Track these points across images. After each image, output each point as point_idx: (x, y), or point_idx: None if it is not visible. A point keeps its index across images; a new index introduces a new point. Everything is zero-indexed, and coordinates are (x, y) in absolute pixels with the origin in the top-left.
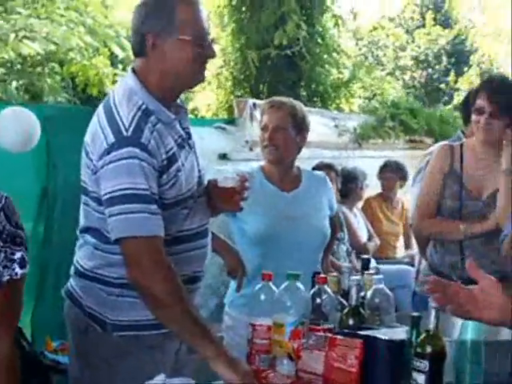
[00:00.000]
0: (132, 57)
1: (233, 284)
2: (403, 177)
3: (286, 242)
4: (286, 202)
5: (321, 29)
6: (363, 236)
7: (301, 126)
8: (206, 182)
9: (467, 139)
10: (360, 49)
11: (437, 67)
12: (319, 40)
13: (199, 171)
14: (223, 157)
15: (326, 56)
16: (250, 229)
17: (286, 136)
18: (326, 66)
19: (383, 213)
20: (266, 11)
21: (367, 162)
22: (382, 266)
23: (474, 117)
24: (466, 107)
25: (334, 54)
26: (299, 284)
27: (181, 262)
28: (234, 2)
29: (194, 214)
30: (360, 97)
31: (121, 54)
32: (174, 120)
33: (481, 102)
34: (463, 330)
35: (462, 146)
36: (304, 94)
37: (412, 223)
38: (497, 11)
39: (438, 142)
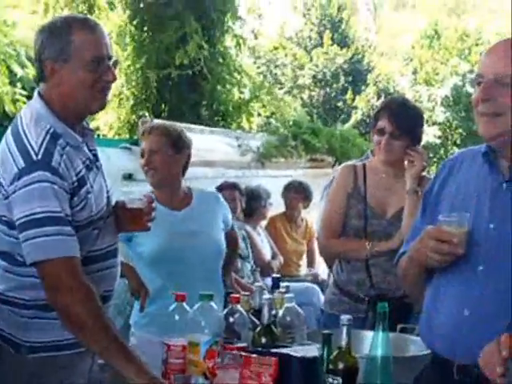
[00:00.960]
0: (31, 75)
1: (137, 304)
2: (307, 197)
3: (183, 260)
4: (177, 221)
5: (222, 49)
6: (267, 254)
7: (178, 145)
8: (113, 203)
9: (370, 159)
10: (258, 67)
11: (334, 86)
12: (220, 60)
13: (107, 192)
14: (128, 177)
15: (227, 76)
16: (145, 251)
17: (163, 157)
18: (228, 85)
19: (287, 232)
20: (167, 31)
21: (270, 181)
22: (286, 284)
23: (375, 137)
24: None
25: (235, 74)
26: (213, 304)
27: (92, 282)
28: (134, 22)
29: (104, 234)
30: (260, 115)
31: (20, 73)
32: (81, 143)
33: (382, 123)
34: (373, 346)
35: (364, 165)
36: (206, 113)
37: (318, 242)
38: (391, 31)
39: (339, 160)
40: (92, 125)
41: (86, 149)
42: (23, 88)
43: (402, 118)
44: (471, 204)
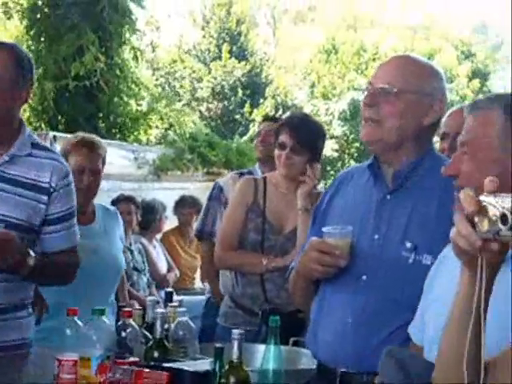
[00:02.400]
0: None
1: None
2: (199, 210)
3: (84, 277)
4: (81, 237)
5: (119, 61)
6: (163, 267)
7: (103, 165)
8: None
9: (271, 173)
10: (157, 79)
11: (233, 99)
12: (118, 72)
13: None
14: None
15: (124, 88)
16: None
17: (98, 178)
18: (125, 97)
19: (181, 246)
20: (64, 43)
21: (166, 194)
22: (181, 297)
23: (276, 152)
24: None
25: (133, 86)
26: (105, 318)
27: None
28: (31, 33)
29: None
30: (158, 127)
31: None
32: None
33: (282, 137)
34: (265, 359)
35: (265, 179)
36: (102, 125)
37: (214, 254)
38: (290, 45)
39: None
40: None
41: None
42: None
43: (303, 132)
44: (357, 216)
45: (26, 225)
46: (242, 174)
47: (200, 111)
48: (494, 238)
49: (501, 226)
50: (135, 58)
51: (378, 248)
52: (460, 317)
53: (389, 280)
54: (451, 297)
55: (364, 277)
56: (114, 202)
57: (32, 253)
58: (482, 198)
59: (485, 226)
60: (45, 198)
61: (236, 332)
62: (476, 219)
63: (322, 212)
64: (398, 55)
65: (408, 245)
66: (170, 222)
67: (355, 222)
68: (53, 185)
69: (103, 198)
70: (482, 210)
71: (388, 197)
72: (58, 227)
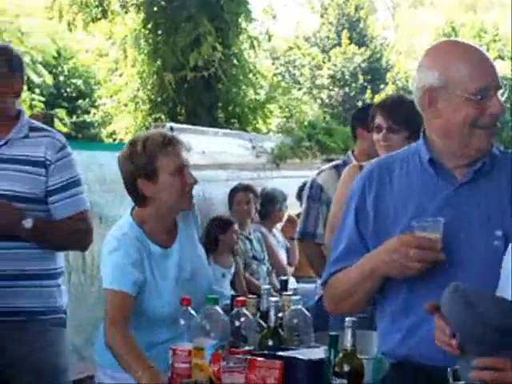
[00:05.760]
0: (48, 81)
1: None
2: None
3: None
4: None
5: (237, 50)
6: (283, 256)
7: None
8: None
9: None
10: (277, 68)
11: (353, 85)
12: (235, 61)
13: None
14: None
15: (242, 77)
16: None
17: None
18: (243, 87)
19: None
20: (181, 33)
21: (285, 182)
22: (304, 285)
23: (374, 136)
24: (353, 126)
25: (250, 75)
26: (218, 308)
27: None
28: (149, 25)
29: None
30: (278, 116)
31: (37, 80)
32: None
33: (377, 120)
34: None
35: None
36: (222, 115)
37: (327, 244)
38: (410, 29)
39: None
40: (108, 129)
41: None
42: (41, 94)
43: (396, 111)
44: (427, 209)
45: (31, 196)
46: (336, 167)
47: (321, 99)
48: None
49: None
50: (252, 46)
51: (466, 241)
52: None
53: (483, 271)
54: None
55: (455, 271)
56: (232, 191)
57: (30, 217)
58: None
59: None
60: (42, 170)
61: (349, 320)
62: None
63: (369, 213)
64: (477, 50)
65: (499, 233)
66: (290, 209)
67: (425, 214)
68: (48, 158)
69: (221, 188)
70: None
71: (460, 189)
72: (61, 196)
